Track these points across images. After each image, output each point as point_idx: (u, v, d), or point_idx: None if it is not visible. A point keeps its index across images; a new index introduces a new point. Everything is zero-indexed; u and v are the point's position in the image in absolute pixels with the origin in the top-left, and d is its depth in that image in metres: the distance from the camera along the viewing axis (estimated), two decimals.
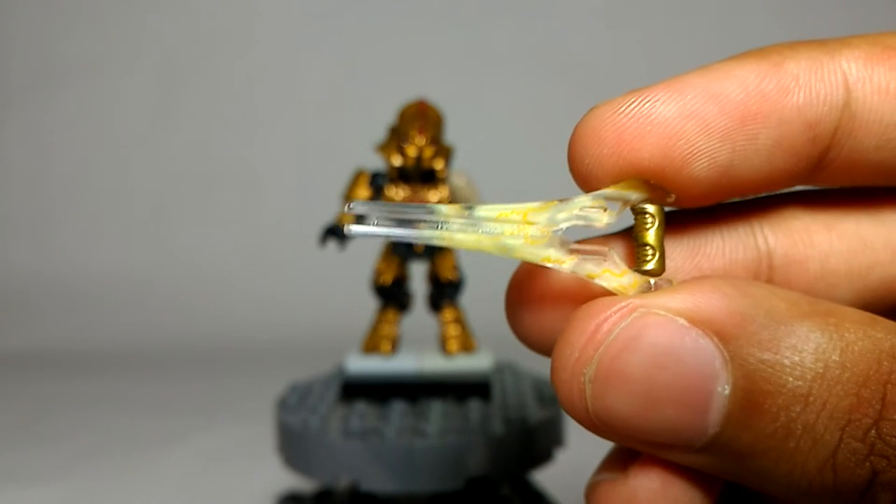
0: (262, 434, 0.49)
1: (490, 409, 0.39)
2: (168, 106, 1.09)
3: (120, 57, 1.09)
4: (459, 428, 0.36)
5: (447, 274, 0.41)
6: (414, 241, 0.16)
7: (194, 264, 1.01)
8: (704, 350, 0.14)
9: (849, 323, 0.14)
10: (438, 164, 0.40)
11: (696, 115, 0.16)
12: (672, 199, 0.16)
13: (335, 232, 0.41)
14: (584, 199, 0.16)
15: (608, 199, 0.16)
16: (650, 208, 0.16)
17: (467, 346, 0.42)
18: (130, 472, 0.56)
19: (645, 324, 0.15)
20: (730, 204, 0.19)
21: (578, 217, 0.16)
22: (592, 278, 0.16)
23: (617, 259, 0.16)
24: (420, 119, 0.40)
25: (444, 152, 0.40)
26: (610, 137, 0.16)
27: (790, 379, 0.14)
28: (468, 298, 0.42)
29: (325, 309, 0.90)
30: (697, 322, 0.14)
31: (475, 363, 0.41)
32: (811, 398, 0.14)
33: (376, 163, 0.41)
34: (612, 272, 0.16)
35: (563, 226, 0.16)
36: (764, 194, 0.18)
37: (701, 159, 0.16)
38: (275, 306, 0.95)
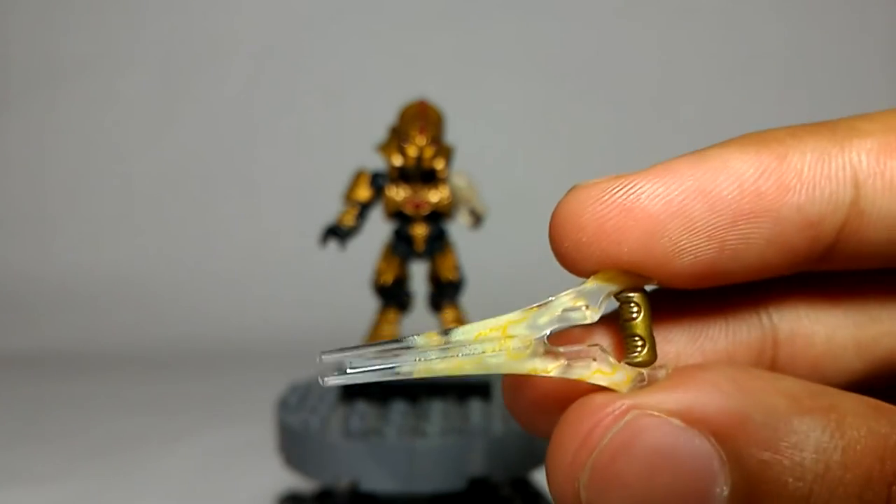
0: (263, 434, 0.49)
1: (490, 409, 0.39)
2: (168, 106, 1.09)
3: (120, 57, 1.09)
4: (460, 428, 0.36)
5: (448, 274, 0.41)
6: (393, 381, 0.15)
7: (194, 264, 1.01)
8: (701, 451, 0.14)
9: (851, 417, 0.14)
10: (439, 164, 0.40)
11: (681, 212, 0.15)
12: (654, 283, 0.16)
13: (336, 232, 0.41)
14: (565, 300, 0.15)
15: (588, 294, 0.15)
16: (634, 296, 0.16)
17: None
18: (130, 472, 0.56)
19: (639, 427, 0.14)
20: (731, 285, 0.18)
21: (561, 319, 0.15)
22: (584, 380, 0.15)
23: (605, 355, 0.15)
24: (420, 119, 0.40)
25: (445, 152, 0.40)
26: (590, 226, 0.15)
27: (790, 479, 0.13)
28: (469, 298, 0.42)
29: (325, 309, 0.90)
30: (693, 422, 0.14)
31: None
32: (812, 500, 0.13)
33: (377, 163, 0.41)
34: (602, 371, 0.15)
35: (547, 331, 0.15)
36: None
37: (684, 257, 0.15)
38: (275, 306, 0.95)
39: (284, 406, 0.40)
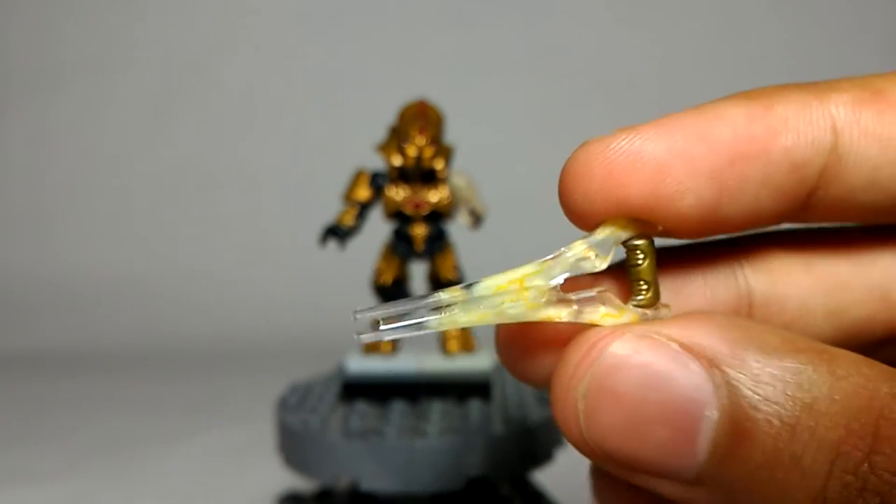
0: (263, 434, 0.49)
1: (490, 409, 0.39)
2: (168, 106, 1.09)
3: (120, 57, 1.09)
4: (459, 428, 0.36)
5: (447, 274, 0.41)
6: (421, 333, 0.16)
7: (194, 264, 1.01)
8: (695, 374, 0.15)
9: (842, 360, 0.14)
10: (438, 164, 0.40)
11: (684, 153, 0.16)
12: (660, 229, 0.17)
13: (335, 232, 0.41)
14: (577, 250, 0.16)
15: (598, 244, 0.16)
16: (640, 243, 0.17)
17: (467, 345, 0.42)
18: (130, 472, 0.56)
19: (638, 345, 0.15)
20: (711, 244, 0.19)
21: (573, 268, 0.16)
22: (594, 324, 0.16)
23: (612, 298, 0.16)
24: (420, 119, 0.40)
25: (445, 152, 0.40)
26: (599, 173, 0.16)
27: (777, 408, 0.14)
28: None
29: (325, 309, 0.90)
30: (690, 348, 0.15)
31: (475, 363, 0.41)
32: (798, 428, 0.14)
33: (376, 163, 0.41)
34: (610, 314, 0.16)
35: (560, 279, 0.16)
36: (749, 232, 0.19)
37: (688, 197, 0.16)
38: (275, 306, 0.95)
39: (284, 406, 0.40)
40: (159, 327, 0.94)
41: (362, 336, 0.16)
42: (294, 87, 1.08)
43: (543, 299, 0.16)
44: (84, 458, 0.58)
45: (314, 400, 0.41)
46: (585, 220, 0.17)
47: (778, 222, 0.18)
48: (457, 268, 0.42)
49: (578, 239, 0.17)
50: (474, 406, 0.39)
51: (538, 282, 0.16)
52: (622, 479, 0.16)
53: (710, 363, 0.15)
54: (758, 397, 0.14)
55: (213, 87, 1.08)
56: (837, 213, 0.18)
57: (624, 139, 0.16)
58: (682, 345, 0.15)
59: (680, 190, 0.16)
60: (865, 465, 0.13)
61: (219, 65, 1.09)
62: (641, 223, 0.17)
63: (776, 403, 0.14)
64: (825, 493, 0.14)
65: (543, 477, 0.42)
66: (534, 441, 0.37)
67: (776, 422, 0.14)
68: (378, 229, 0.42)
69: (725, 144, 0.16)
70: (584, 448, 0.16)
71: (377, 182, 0.41)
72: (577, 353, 0.16)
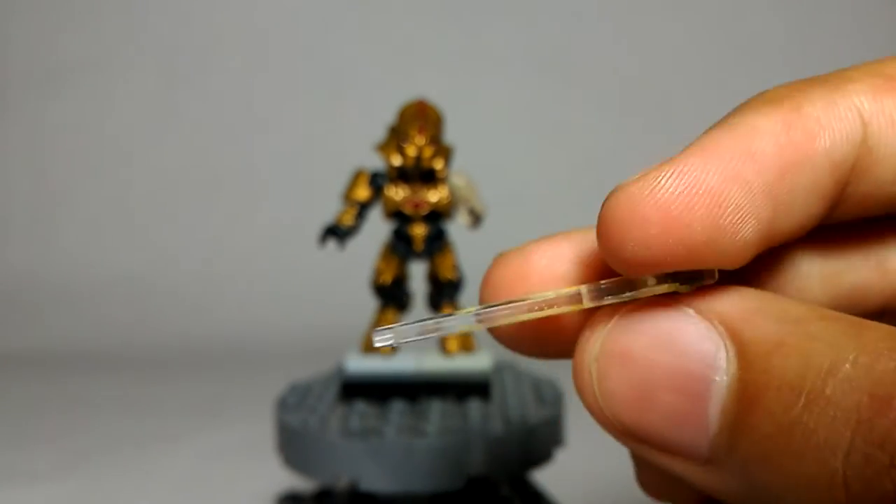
0: (262, 434, 0.49)
1: (490, 409, 0.39)
2: (168, 106, 1.09)
3: (120, 57, 1.09)
4: (459, 427, 0.36)
5: (447, 274, 0.41)
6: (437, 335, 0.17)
7: (194, 264, 1.01)
8: (707, 339, 0.14)
9: (873, 332, 0.13)
10: (438, 164, 0.40)
11: (738, 177, 0.15)
12: (716, 279, 0.16)
13: (335, 232, 0.41)
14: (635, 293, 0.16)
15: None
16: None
17: (467, 345, 0.42)
18: (130, 472, 0.56)
19: (653, 309, 0.15)
20: None
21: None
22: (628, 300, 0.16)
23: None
24: (420, 119, 0.40)
25: (444, 152, 0.40)
26: (655, 216, 0.15)
27: (789, 373, 0.13)
28: (468, 298, 0.42)
29: (325, 309, 0.90)
30: (705, 313, 0.15)
31: (475, 363, 0.41)
32: (812, 395, 0.13)
33: (376, 163, 0.41)
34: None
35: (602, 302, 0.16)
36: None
37: (749, 223, 0.15)
38: (275, 306, 0.95)
39: (283, 406, 0.40)
40: (159, 327, 0.94)
41: (377, 339, 0.17)
42: (294, 86, 1.08)
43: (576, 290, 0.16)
44: (84, 458, 0.58)
45: (313, 400, 0.41)
46: (642, 269, 0.15)
47: (815, 226, 0.17)
48: (456, 267, 0.42)
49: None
50: (474, 406, 0.39)
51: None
52: (643, 459, 0.16)
53: (725, 326, 0.14)
54: (769, 363, 0.13)
55: (214, 87, 1.08)
56: (864, 208, 0.17)
57: (670, 175, 0.15)
58: (697, 311, 0.15)
59: (741, 216, 0.15)
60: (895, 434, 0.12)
61: (219, 65, 1.09)
62: (692, 275, 0.15)
63: (790, 369, 0.13)
64: (845, 469, 0.12)
65: (543, 477, 0.42)
66: (534, 441, 0.37)
67: (787, 388, 0.13)
68: (378, 229, 0.42)
69: (772, 158, 0.15)
70: (600, 418, 0.15)
71: (377, 182, 0.41)
72: (598, 320, 0.16)
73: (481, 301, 0.18)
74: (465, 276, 0.42)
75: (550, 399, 0.40)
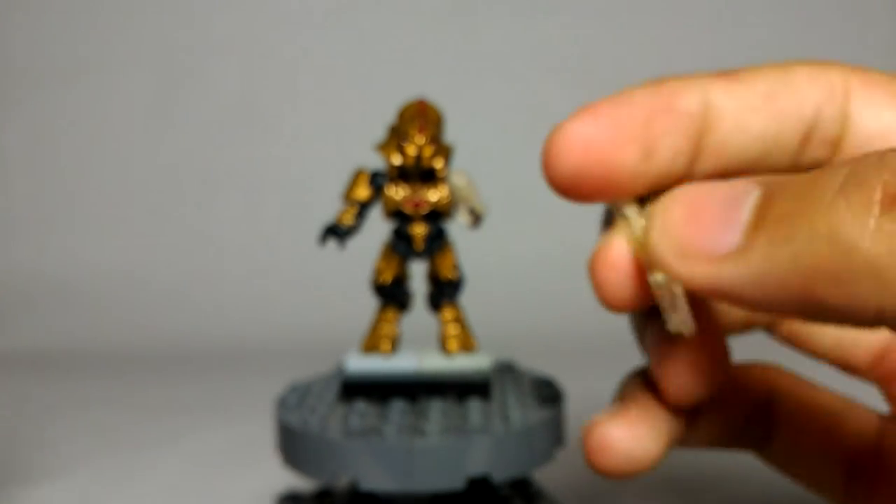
0: (262, 434, 0.49)
1: (490, 409, 0.39)
2: (168, 106, 1.09)
3: (119, 57, 1.09)
4: (459, 427, 0.36)
5: (447, 273, 0.41)
6: None
7: (194, 264, 1.01)
8: (739, 182, 0.20)
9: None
10: (438, 164, 0.40)
11: (623, 119, 0.22)
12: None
13: (335, 231, 0.41)
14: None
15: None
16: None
17: (467, 345, 0.42)
18: (130, 472, 0.56)
19: (690, 185, 0.21)
20: None
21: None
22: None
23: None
24: (420, 118, 0.40)
25: (444, 151, 0.40)
26: (572, 146, 0.22)
27: (796, 182, 0.18)
28: (468, 298, 0.42)
29: (325, 309, 0.90)
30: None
31: (475, 362, 0.41)
32: (812, 181, 0.18)
33: (376, 162, 0.41)
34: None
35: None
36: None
37: (633, 151, 0.22)
38: (275, 306, 0.95)
39: (283, 405, 0.40)
40: (160, 327, 0.94)
41: None
42: (294, 86, 1.08)
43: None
44: (84, 458, 0.58)
45: (314, 399, 0.41)
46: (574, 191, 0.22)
47: (688, 174, 0.22)
48: (456, 267, 0.42)
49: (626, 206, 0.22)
50: (474, 405, 0.39)
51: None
52: (679, 274, 0.20)
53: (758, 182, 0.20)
54: (783, 180, 0.19)
55: (214, 87, 1.08)
56: (719, 157, 0.23)
57: (582, 122, 0.22)
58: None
59: (627, 148, 0.21)
60: None
61: (219, 65, 1.09)
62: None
63: (797, 181, 0.18)
64: (842, 187, 0.17)
65: (543, 477, 0.42)
66: (534, 441, 0.37)
67: (801, 178, 0.18)
68: (377, 229, 0.42)
69: (642, 108, 0.22)
70: (659, 249, 0.20)
71: (377, 181, 0.40)
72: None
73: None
74: (465, 276, 0.42)
75: (550, 399, 0.40)
